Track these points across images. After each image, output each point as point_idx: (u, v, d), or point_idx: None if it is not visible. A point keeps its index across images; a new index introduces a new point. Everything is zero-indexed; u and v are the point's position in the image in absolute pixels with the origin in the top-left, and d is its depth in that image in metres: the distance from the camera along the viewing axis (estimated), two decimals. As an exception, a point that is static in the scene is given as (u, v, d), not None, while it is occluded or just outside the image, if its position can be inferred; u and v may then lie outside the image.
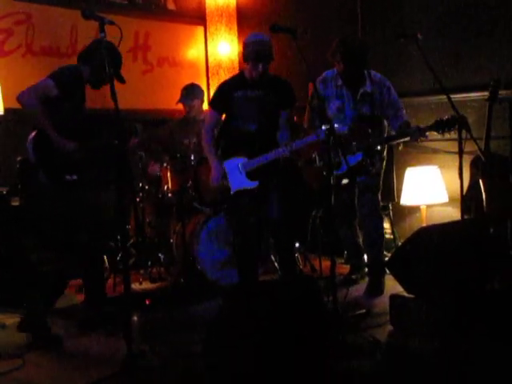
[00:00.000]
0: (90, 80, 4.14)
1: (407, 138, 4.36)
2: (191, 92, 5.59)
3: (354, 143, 4.29)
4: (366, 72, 4.59)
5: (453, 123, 4.01)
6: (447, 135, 4.16)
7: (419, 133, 4.24)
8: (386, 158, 4.83)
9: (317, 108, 4.60)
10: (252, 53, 4.24)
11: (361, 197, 4.76)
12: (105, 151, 3.99)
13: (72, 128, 3.96)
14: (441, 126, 4.09)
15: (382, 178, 4.80)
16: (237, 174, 4.40)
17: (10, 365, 3.49)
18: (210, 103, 4.58)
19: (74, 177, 3.87)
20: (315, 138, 4.05)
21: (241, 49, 6.88)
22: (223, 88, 4.49)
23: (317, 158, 4.42)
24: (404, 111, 4.62)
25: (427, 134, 4.22)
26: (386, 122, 4.70)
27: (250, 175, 4.39)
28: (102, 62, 3.49)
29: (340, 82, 4.64)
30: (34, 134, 3.91)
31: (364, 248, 4.99)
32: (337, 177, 4.05)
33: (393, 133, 4.61)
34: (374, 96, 4.56)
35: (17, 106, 4.04)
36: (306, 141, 4.26)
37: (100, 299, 4.17)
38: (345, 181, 4.31)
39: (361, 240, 5.03)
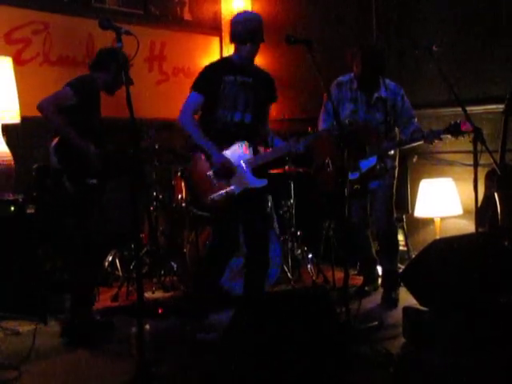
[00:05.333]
0: (106, 87, 4.22)
1: (421, 142, 4.36)
2: None
3: (368, 148, 4.29)
4: (381, 78, 4.61)
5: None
6: (461, 148, 4.15)
7: (433, 135, 4.25)
8: (397, 166, 4.81)
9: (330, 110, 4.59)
10: (254, 32, 3.86)
11: (374, 206, 4.76)
12: (121, 157, 4.10)
13: (88, 136, 4.02)
14: (455, 130, 4.09)
15: (395, 187, 4.78)
16: (240, 172, 3.96)
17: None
18: (194, 85, 4.00)
19: (94, 181, 3.99)
20: (324, 132, 4.02)
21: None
22: (211, 69, 4.03)
23: (329, 163, 4.42)
24: (416, 119, 4.62)
25: (442, 136, 4.22)
26: (396, 130, 4.70)
27: (257, 173, 4.00)
28: (119, 68, 3.79)
29: (355, 86, 4.64)
30: (56, 140, 4.00)
31: (378, 258, 4.97)
32: (349, 182, 4.04)
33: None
34: (388, 102, 4.58)
35: (33, 114, 4.08)
36: (316, 135, 4.15)
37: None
38: (357, 186, 4.31)
39: (374, 251, 5.02)
